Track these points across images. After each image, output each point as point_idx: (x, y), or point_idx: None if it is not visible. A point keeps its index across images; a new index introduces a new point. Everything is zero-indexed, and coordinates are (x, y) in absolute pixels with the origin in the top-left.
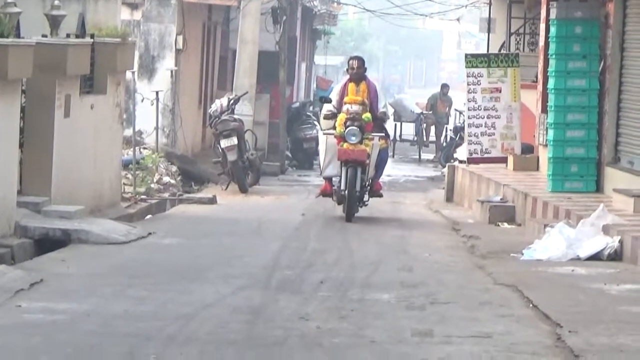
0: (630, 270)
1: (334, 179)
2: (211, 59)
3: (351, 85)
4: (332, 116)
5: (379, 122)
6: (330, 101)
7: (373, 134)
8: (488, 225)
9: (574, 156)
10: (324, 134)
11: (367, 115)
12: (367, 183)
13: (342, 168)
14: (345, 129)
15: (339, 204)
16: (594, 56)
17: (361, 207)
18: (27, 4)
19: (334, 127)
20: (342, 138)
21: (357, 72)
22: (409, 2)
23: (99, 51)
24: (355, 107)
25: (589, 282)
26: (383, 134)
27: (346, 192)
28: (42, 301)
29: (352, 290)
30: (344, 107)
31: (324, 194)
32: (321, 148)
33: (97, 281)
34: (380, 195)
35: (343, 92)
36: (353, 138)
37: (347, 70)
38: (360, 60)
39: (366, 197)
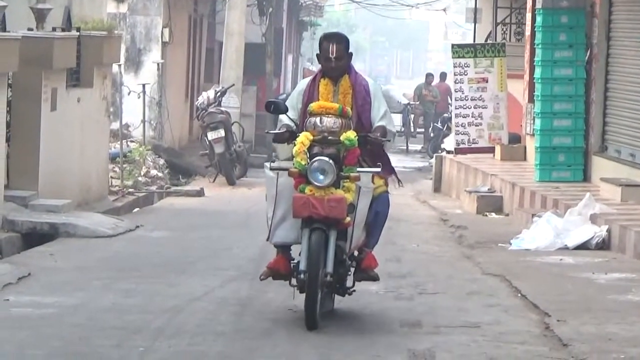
0: (618, 259)
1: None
2: (197, 52)
3: (324, 83)
4: (289, 137)
5: (373, 146)
6: (284, 110)
7: (360, 168)
8: (476, 216)
9: (561, 145)
10: (271, 169)
11: (349, 136)
12: (348, 256)
13: (304, 230)
14: (310, 159)
15: (301, 291)
16: (581, 45)
17: (340, 296)
18: None
19: (292, 157)
20: (302, 177)
21: (337, 66)
22: None
23: (85, 44)
24: (329, 121)
25: (577, 271)
26: (378, 169)
27: (306, 275)
28: (30, 295)
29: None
30: (310, 121)
31: (275, 274)
32: (268, 194)
33: (85, 275)
34: (375, 278)
35: (310, 95)
36: (321, 177)
37: (319, 57)
38: (342, 43)
39: (349, 280)
